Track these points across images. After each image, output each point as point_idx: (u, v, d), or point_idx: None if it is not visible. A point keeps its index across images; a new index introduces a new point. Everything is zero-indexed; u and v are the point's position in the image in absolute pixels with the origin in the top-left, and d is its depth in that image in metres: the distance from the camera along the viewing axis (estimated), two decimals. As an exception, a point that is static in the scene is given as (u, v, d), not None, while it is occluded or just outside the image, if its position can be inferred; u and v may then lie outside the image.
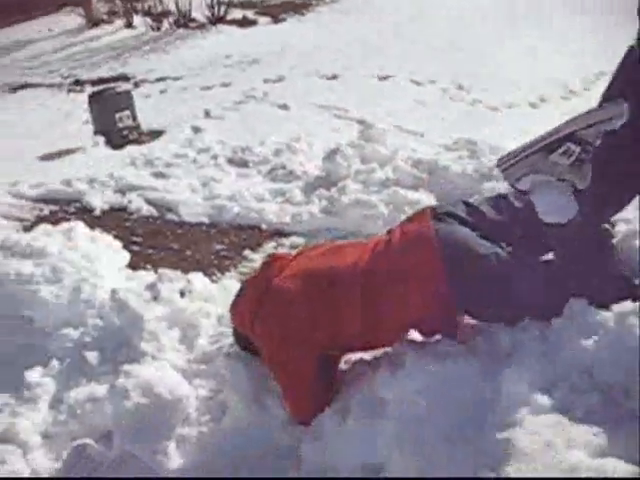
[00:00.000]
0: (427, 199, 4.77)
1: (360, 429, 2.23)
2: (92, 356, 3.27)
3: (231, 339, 3.17)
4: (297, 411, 2.51)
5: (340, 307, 2.41)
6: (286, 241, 4.82)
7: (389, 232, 2.57)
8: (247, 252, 4.68)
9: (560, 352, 2.03)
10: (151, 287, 3.45)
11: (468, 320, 2.44)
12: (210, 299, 3.55)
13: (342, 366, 2.65)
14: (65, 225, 4.19)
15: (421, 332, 2.44)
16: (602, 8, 11.27)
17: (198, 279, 3.69)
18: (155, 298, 3.37)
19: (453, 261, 2.27)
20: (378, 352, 2.59)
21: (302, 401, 2.49)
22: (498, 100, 8.37)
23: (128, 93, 7.99)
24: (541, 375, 1.98)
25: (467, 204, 2.51)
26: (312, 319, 2.44)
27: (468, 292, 2.29)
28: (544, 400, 1.91)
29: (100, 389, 3.02)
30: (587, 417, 1.82)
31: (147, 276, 3.96)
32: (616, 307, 1.99)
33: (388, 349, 2.51)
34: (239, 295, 2.78)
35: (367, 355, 2.62)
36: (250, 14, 15.05)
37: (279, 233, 4.94)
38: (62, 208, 5.74)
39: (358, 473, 2.21)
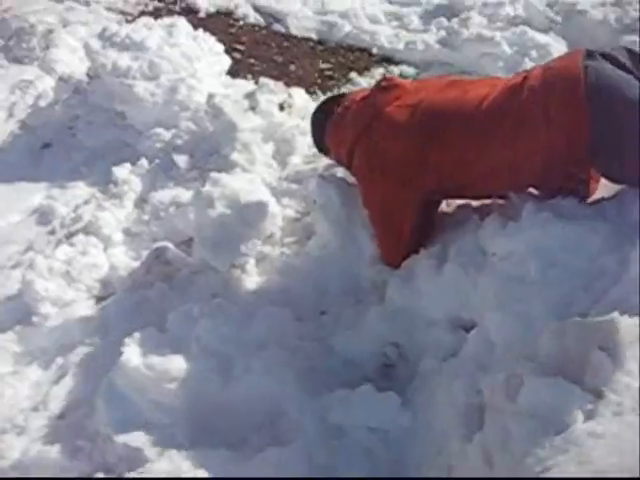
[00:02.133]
0: (558, 45, 4.29)
1: (456, 278, 2.02)
2: (181, 160, 3.15)
3: (325, 162, 2.98)
4: (389, 253, 2.32)
5: (456, 148, 2.11)
6: (395, 69, 4.48)
7: (527, 71, 2.20)
8: (353, 75, 4.38)
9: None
10: (250, 96, 3.24)
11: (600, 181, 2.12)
12: (309, 117, 3.32)
13: (444, 206, 2.39)
14: (167, 20, 3.97)
15: (544, 189, 2.14)
16: None
17: (299, 95, 3.47)
18: (253, 108, 3.17)
19: (601, 105, 1.90)
20: (489, 200, 2.31)
21: (396, 245, 2.28)
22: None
23: None
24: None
25: (630, 51, 2.10)
26: (422, 158, 2.15)
27: (612, 143, 1.93)
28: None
29: (186, 194, 2.92)
30: None
31: (247, 85, 3.77)
32: None
33: (500, 200, 2.24)
34: (335, 111, 2.47)
35: (475, 201, 2.36)
36: None
37: (389, 60, 4.59)
38: (167, 6, 5.51)
39: (446, 325, 2.04)
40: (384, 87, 2.36)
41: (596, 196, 2.17)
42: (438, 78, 2.45)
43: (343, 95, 2.60)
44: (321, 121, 2.55)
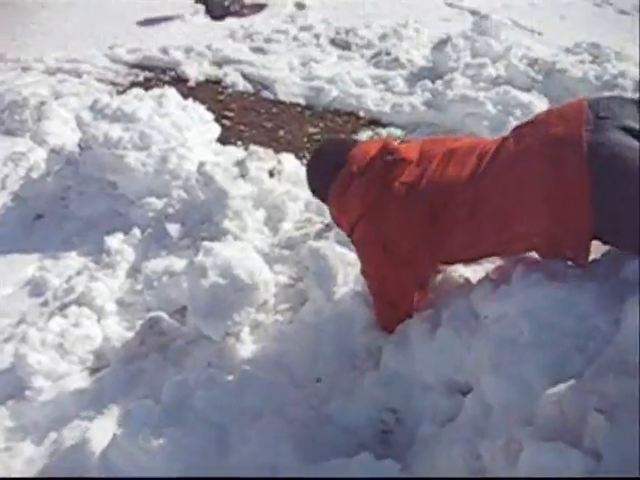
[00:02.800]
0: (540, 103, 4.40)
1: (450, 342, 2.03)
2: (173, 228, 3.17)
3: (317, 226, 3.01)
4: (385, 321, 2.32)
5: (454, 231, 2.09)
6: (383, 131, 4.57)
7: (521, 127, 2.09)
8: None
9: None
10: (240, 163, 3.28)
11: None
12: (299, 182, 3.36)
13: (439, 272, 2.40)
14: (157, 91, 4.05)
15: (542, 254, 2.08)
16: None
17: (289, 160, 3.51)
18: (243, 175, 3.21)
19: (602, 178, 1.81)
20: (480, 265, 2.32)
21: (393, 315, 2.28)
22: (629, 4, 7.63)
23: (233, -38, 7.66)
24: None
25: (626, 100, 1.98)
26: (423, 239, 2.14)
27: (613, 217, 1.85)
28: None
29: (178, 263, 2.93)
30: None
31: (237, 152, 3.81)
32: None
33: (491, 263, 2.26)
34: (341, 167, 2.32)
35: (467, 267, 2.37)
36: None
37: (376, 122, 4.69)
38: (157, 76, 5.63)
39: (442, 389, 2.03)
40: (389, 162, 2.26)
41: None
42: (441, 142, 2.32)
43: (348, 145, 2.44)
44: (325, 171, 2.38)
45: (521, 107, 4.36)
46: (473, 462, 1.76)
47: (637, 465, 1.43)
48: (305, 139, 4.47)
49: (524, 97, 4.43)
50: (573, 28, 6.54)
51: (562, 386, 1.67)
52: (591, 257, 2.08)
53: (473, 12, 6.87)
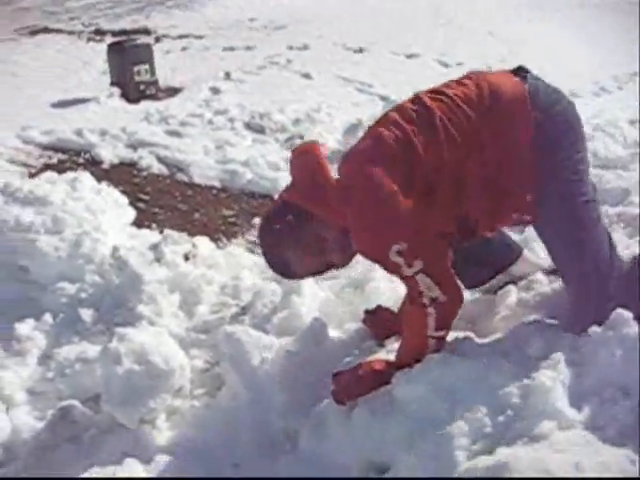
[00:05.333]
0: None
1: (366, 424, 2.07)
2: (87, 314, 3.13)
3: (233, 309, 3.03)
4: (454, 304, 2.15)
5: None
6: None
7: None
8: (256, 220, 4.51)
9: (594, 364, 1.85)
10: (154, 248, 3.30)
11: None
12: (214, 266, 3.40)
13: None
14: (71, 175, 4.04)
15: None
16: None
17: (204, 244, 3.55)
18: (158, 260, 3.22)
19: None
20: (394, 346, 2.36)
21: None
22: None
23: (148, 47, 7.79)
24: (571, 386, 1.81)
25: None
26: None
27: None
28: (573, 414, 1.75)
29: (92, 350, 2.88)
30: (620, 439, 1.66)
31: (151, 236, 3.81)
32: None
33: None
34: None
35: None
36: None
37: (291, 204, 4.78)
38: (71, 158, 5.59)
39: (359, 470, 2.06)
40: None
41: (494, 334, 2.31)
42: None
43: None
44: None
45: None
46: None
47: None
48: (220, 221, 4.52)
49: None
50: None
51: (477, 461, 1.74)
52: (498, 335, 2.22)
53: (383, 97, 7.18)
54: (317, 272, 2.36)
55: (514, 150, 2.14)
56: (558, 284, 2.47)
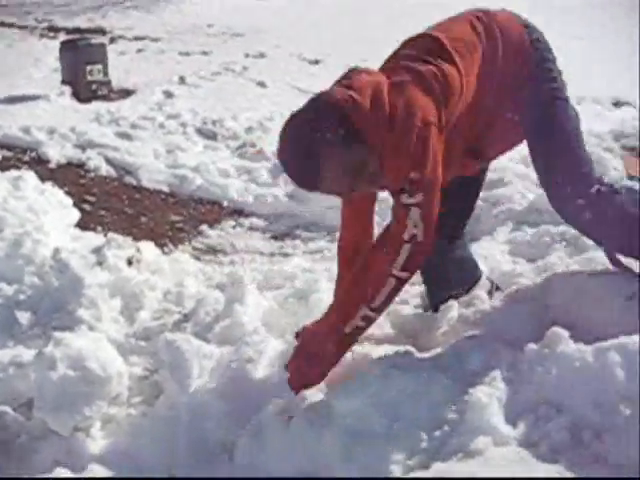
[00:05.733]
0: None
1: (303, 434, 2.05)
2: (23, 317, 3.04)
3: (175, 317, 2.99)
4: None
5: None
6: (246, 221, 4.66)
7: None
8: (204, 227, 4.50)
9: (529, 381, 1.88)
10: (97, 251, 3.23)
11: None
12: (158, 271, 3.35)
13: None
14: (14, 172, 3.95)
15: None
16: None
17: (149, 249, 3.49)
18: (100, 263, 3.15)
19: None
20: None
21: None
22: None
23: (102, 47, 7.71)
24: (507, 403, 1.84)
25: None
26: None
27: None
28: (508, 430, 1.77)
29: (27, 354, 2.79)
30: (552, 455, 1.68)
31: (95, 239, 3.74)
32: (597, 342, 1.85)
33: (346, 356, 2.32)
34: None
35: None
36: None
37: (240, 212, 4.78)
38: (16, 155, 5.48)
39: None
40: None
41: (435, 349, 2.33)
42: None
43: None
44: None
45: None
46: None
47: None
48: (167, 227, 4.47)
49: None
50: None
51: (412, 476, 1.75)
52: (438, 350, 2.24)
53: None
54: (338, 192, 2.28)
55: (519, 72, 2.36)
56: (498, 301, 2.52)
